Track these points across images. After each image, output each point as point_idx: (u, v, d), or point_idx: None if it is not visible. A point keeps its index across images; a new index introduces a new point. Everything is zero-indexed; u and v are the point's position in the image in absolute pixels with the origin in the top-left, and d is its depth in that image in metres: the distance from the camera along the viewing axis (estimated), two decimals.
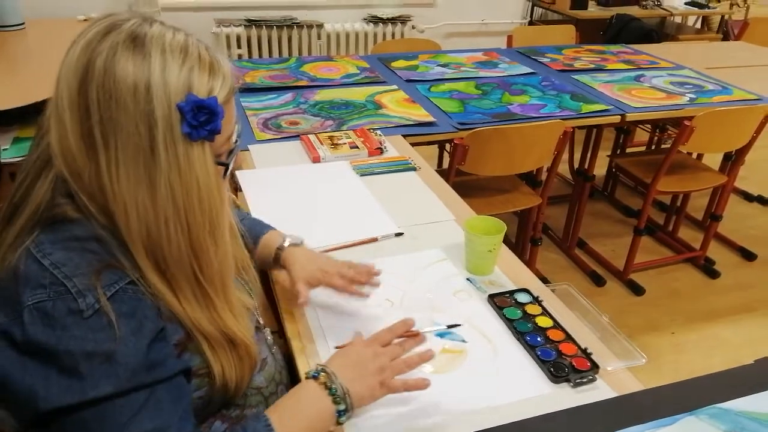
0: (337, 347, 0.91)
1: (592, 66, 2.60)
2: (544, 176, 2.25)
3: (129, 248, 0.69)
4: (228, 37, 3.41)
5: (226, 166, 0.75)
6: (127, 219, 0.68)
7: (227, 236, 0.76)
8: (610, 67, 2.60)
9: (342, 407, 0.79)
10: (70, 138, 0.67)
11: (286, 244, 1.08)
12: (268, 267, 1.12)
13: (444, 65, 2.55)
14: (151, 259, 0.70)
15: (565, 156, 3.23)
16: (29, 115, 1.90)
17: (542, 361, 0.95)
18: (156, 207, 0.68)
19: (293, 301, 1.04)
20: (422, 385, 0.85)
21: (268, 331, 0.97)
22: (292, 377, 0.98)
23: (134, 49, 0.66)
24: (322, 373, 0.80)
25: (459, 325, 0.97)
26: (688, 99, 2.24)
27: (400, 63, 2.56)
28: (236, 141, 0.78)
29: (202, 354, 0.75)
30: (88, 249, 0.68)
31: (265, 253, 1.09)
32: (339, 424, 0.80)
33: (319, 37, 3.61)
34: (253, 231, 1.11)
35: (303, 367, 0.94)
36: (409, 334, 0.89)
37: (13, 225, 0.71)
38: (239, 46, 3.47)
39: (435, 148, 2.64)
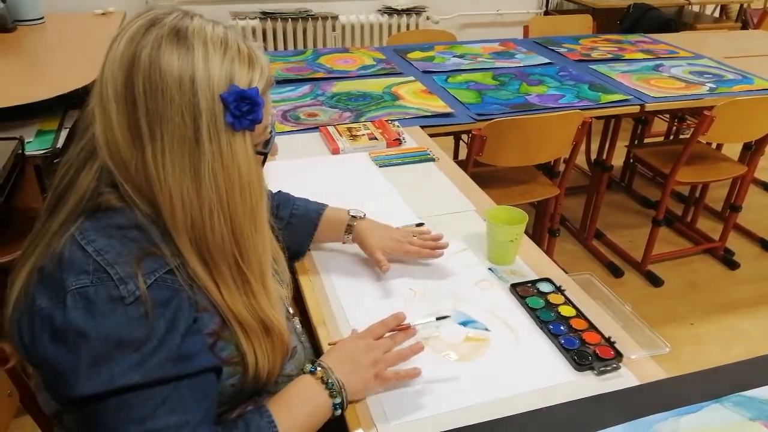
0: (330, 344, 0.93)
1: (610, 56, 2.58)
2: (561, 167, 2.24)
3: (172, 236, 0.71)
4: (243, 29, 3.42)
5: (265, 155, 0.77)
6: (173, 208, 0.70)
7: (267, 223, 0.79)
8: (628, 56, 2.58)
9: (338, 400, 0.82)
10: (115, 129, 0.69)
11: (356, 217, 1.16)
12: (335, 240, 1.19)
13: (460, 56, 2.54)
14: (194, 246, 0.72)
15: (583, 147, 3.22)
16: (51, 108, 1.93)
17: (566, 350, 0.96)
18: (200, 196, 0.70)
19: (314, 282, 1.05)
20: (414, 374, 0.89)
21: (297, 320, 0.98)
22: None
23: (178, 42, 0.68)
24: (319, 369, 0.83)
25: (447, 316, 1.01)
26: (708, 88, 2.22)
27: (416, 54, 2.56)
28: (271, 131, 0.79)
29: (237, 342, 0.76)
30: (130, 237, 0.70)
31: (331, 228, 1.17)
32: (334, 416, 0.83)
33: (333, 29, 3.61)
34: (310, 209, 1.18)
35: None
36: (400, 327, 0.93)
37: (57, 214, 0.72)
38: (255, 39, 3.48)
39: (451, 139, 2.63)
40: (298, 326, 0.98)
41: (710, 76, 2.36)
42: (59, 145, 1.77)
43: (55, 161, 1.73)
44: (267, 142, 0.78)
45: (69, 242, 0.69)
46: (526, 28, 3.08)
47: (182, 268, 0.71)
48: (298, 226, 1.16)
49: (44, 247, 0.71)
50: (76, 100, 1.97)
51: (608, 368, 0.93)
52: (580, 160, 3.25)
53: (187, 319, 0.70)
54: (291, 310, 0.97)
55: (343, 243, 1.20)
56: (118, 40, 0.69)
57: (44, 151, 1.74)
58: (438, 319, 0.98)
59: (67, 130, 1.87)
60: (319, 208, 1.18)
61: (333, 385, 0.82)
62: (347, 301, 1.08)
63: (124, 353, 0.65)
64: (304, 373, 0.84)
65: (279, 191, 1.23)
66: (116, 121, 0.68)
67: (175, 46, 0.68)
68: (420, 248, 1.16)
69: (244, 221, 0.73)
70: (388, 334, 0.92)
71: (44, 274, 0.69)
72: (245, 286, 0.77)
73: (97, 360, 0.64)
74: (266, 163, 0.82)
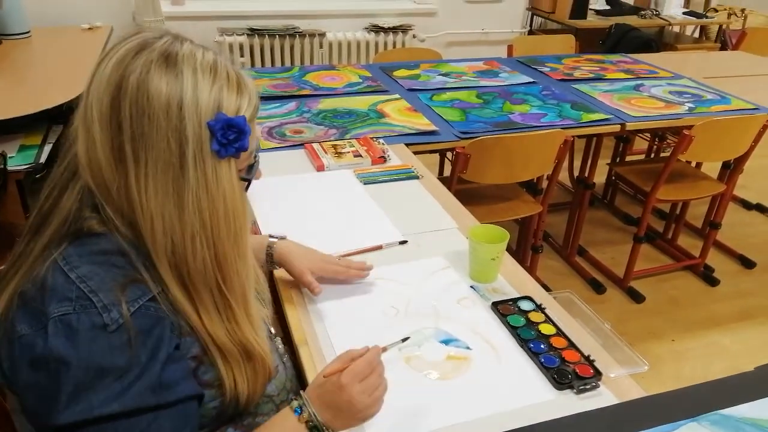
0: (325, 376, 0.84)
1: (592, 75, 2.63)
2: (544, 184, 2.27)
3: (153, 261, 0.70)
4: (231, 45, 3.44)
5: (249, 180, 0.78)
6: (153, 233, 0.69)
7: (250, 248, 0.78)
8: (609, 76, 2.63)
9: None
10: (99, 151, 0.68)
11: (275, 239, 1.11)
12: (262, 269, 1.11)
13: (445, 74, 2.57)
14: (174, 272, 0.71)
15: (565, 164, 3.25)
16: (35, 122, 1.92)
17: (546, 368, 0.97)
18: (183, 221, 0.69)
19: (296, 301, 1.07)
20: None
21: (279, 340, 0.98)
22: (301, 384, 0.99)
23: (167, 67, 0.68)
24: (305, 413, 0.79)
25: (408, 338, 0.94)
26: (687, 108, 2.27)
27: (402, 72, 2.58)
28: (256, 156, 0.80)
29: (216, 367, 0.76)
30: (113, 263, 0.69)
31: (256, 256, 1.08)
32: None
33: (321, 46, 3.64)
34: None
35: (311, 374, 0.96)
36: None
37: (41, 235, 0.72)
38: (242, 55, 3.50)
39: (436, 156, 2.66)
40: (281, 346, 0.97)
41: (689, 96, 2.41)
42: (42, 160, 1.77)
43: (37, 177, 1.72)
44: (251, 167, 0.78)
45: (52, 268, 0.68)
46: (510, 48, 3.12)
47: (164, 295, 0.71)
48: None
49: (26, 271, 0.71)
50: (59, 115, 1.97)
51: (587, 387, 0.94)
52: (563, 177, 3.29)
53: (169, 347, 0.69)
54: (273, 330, 0.96)
55: (270, 269, 1.14)
56: (105, 61, 0.69)
57: (27, 167, 1.73)
58: (403, 340, 0.92)
59: (51, 145, 1.86)
60: None
61: (315, 428, 0.79)
62: (329, 319, 1.09)
63: (104, 382, 0.64)
64: (291, 408, 0.81)
65: None
66: (100, 142, 0.68)
67: (164, 71, 0.68)
68: (346, 269, 1.12)
69: (227, 247, 0.73)
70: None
71: (26, 299, 0.68)
72: (227, 311, 0.76)
73: (77, 388, 0.63)
74: (251, 184, 0.82)
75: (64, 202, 0.72)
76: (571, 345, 1.02)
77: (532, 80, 2.52)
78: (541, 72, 2.66)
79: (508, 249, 1.22)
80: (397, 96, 2.27)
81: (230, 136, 0.69)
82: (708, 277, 2.67)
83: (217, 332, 0.74)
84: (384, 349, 0.88)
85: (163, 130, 0.67)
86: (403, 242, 1.34)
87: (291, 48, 3.58)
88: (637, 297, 2.52)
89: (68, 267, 0.68)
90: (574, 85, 2.48)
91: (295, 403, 0.81)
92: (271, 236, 1.13)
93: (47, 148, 1.84)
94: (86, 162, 0.70)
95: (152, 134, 0.67)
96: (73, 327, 0.64)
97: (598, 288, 2.57)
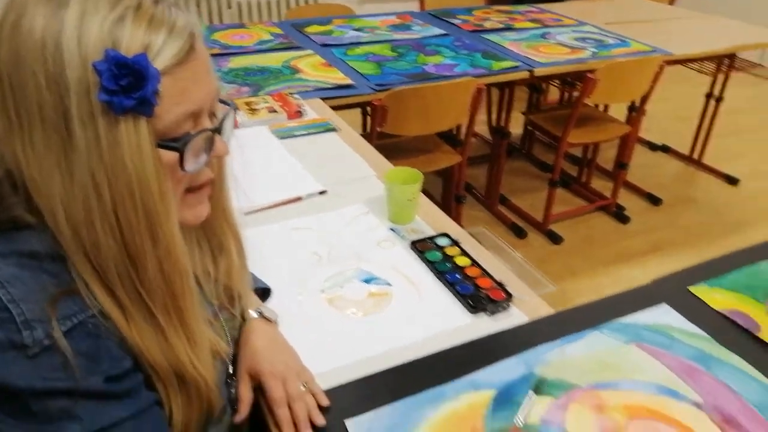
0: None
1: (501, 26, 2.68)
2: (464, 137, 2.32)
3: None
4: None
5: (178, 150, 0.58)
6: (54, 218, 0.56)
7: (176, 240, 0.61)
8: (518, 26, 2.69)
9: None
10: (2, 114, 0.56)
11: (255, 315, 0.86)
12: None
13: (359, 29, 2.55)
14: (93, 269, 0.57)
15: (485, 118, 3.33)
16: None
17: (461, 296, 1.01)
18: (75, 199, 0.55)
19: None
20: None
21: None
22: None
23: None
24: None
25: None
26: (591, 53, 2.36)
27: (314, 28, 2.54)
28: (220, 127, 0.64)
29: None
30: (46, 269, 0.57)
31: None
32: None
33: (229, 6, 3.52)
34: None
35: None
36: None
37: None
38: None
39: (358, 114, 2.66)
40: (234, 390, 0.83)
41: (592, 41, 2.51)
42: None
43: None
44: (215, 134, 0.62)
45: None
46: (422, 1, 3.13)
47: (104, 314, 0.58)
48: None
49: None
50: None
51: (500, 309, 0.99)
52: (483, 130, 3.37)
53: (120, 364, 0.59)
54: (231, 369, 0.82)
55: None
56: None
57: None
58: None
59: None
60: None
61: None
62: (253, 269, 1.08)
63: (46, 404, 0.54)
64: None
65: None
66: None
67: (47, 2, 0.53)
68: (289, 420, 0.77)
69: (137, 235, 0.57)
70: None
71: None
72: (153, 320, 0.61)
73: (17, 410, 0.54)
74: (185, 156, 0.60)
75: None
76: (485, 273, 1.07)
77: (444, 32, 2.55)
78: (452, 24, 2.69)
79: (434, 200, 1.25)
80: (310, 52, 2.24)
81: (122, 81, 0.51)
82: (620, 216, 2.83)
83: (149, 347, 0.61)
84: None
85: (39, 78, 0.52)
86: (323, 192, 1.35)
87: (197, 6, 3.44)
88: (555, 239, 2.64)
89: None
90: (484, 36, 2.53)
91: None
92: (264, 310, 0.88)
93: None
94: None
95: (28, 85, 0.52)
96: None
97: (520, 233, 2.67)
